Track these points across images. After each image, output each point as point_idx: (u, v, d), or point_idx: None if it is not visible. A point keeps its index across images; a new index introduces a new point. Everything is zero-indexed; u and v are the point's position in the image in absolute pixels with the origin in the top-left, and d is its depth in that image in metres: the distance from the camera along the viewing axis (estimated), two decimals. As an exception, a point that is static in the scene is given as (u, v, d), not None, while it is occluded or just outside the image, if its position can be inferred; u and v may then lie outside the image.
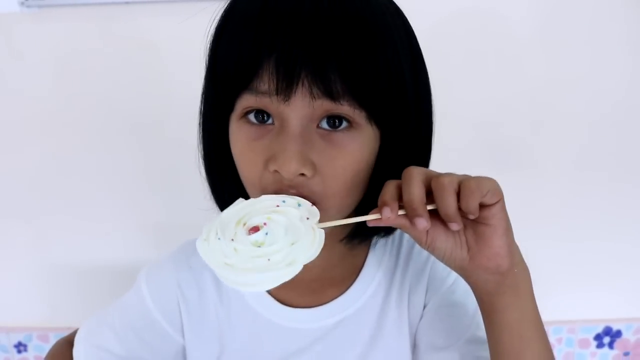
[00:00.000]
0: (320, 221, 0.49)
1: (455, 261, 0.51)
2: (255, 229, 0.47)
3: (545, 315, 0.54)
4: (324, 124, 0.51)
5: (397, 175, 0.51)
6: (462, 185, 0.46)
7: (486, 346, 0.58)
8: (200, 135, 0.62)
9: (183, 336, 0.69)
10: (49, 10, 1.09)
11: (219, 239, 0.47)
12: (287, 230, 0.47)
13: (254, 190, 0.54)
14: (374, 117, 0.51)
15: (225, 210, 0.50)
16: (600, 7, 1.10)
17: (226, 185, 0.61)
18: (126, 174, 1.20)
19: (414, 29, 0.56)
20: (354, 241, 0.62)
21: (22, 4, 1.06)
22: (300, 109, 0.49)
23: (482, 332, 0.61)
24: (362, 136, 0.52)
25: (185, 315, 0.68)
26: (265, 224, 0.47)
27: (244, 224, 0.48)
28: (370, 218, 0.49)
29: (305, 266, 0.46)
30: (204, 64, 0.57)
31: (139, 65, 1.12)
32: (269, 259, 0.45)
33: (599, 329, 1.36)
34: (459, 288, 0.65)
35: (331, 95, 0.48)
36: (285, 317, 0.65)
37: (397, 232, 0.68)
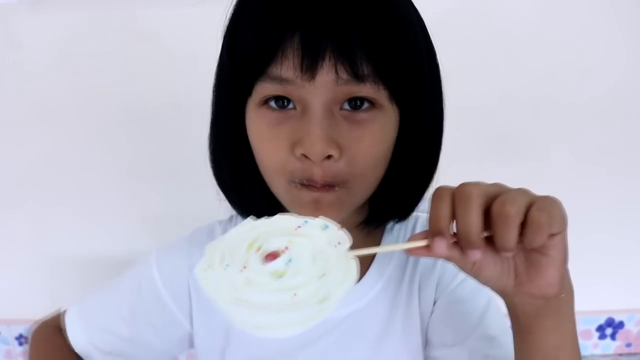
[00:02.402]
0: (343, 203, 0.48)
1: (499, 287, 0.46)
2: (274, 256, 0.37)
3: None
4: (346, 106, 0.51)
5: (413, 157, 0.52)
6: (530, 216, 0.39)
7: (495, 344, 0.57)
8: (213, 123, 0.60)
9: (191, 322, 0.68)
10: (48, 0, 1.08)
11: (227, 265, 0.37)
12: (314, 257, 0.37)
13: (279, 178, 0.54)
14: (395, 96, 0.51)
15: (230, 232, 0.41)
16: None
17: (241, 176, 0.60)
18: (126, 165, 1.19)
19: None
20: (371, 226, 0.62)
21: (21, -6, 1.05)
22: (324, 92, 0.49)
23: (492, 331, 0.60)
24: (384, 116, 0.52)
25: (195, 301, 0.68)
26: (286, 248, 0.37)
27: (258, 249, 0.38)
28: (415, 245, 0.40)
29: None
30: (218, 51, 0.56)
31: (139, 55, 1.11)
32: (294, 294, 0.35)
33: (601, 320, 1.36)
34: (469, 285, 0.64)
35: (356, 75, 0.47)
36: None
37: (409, 225, 0.68)
